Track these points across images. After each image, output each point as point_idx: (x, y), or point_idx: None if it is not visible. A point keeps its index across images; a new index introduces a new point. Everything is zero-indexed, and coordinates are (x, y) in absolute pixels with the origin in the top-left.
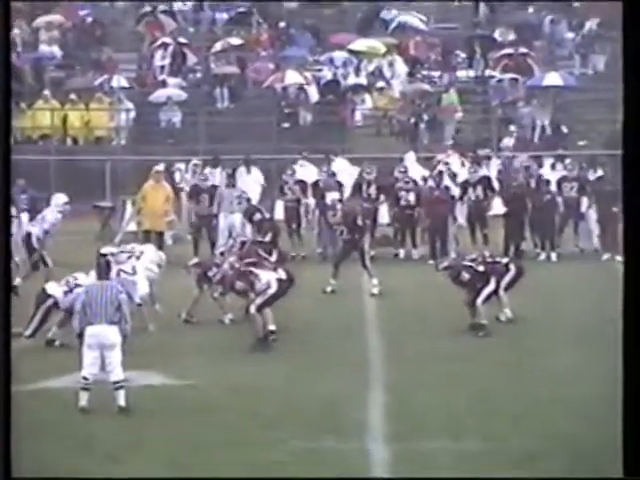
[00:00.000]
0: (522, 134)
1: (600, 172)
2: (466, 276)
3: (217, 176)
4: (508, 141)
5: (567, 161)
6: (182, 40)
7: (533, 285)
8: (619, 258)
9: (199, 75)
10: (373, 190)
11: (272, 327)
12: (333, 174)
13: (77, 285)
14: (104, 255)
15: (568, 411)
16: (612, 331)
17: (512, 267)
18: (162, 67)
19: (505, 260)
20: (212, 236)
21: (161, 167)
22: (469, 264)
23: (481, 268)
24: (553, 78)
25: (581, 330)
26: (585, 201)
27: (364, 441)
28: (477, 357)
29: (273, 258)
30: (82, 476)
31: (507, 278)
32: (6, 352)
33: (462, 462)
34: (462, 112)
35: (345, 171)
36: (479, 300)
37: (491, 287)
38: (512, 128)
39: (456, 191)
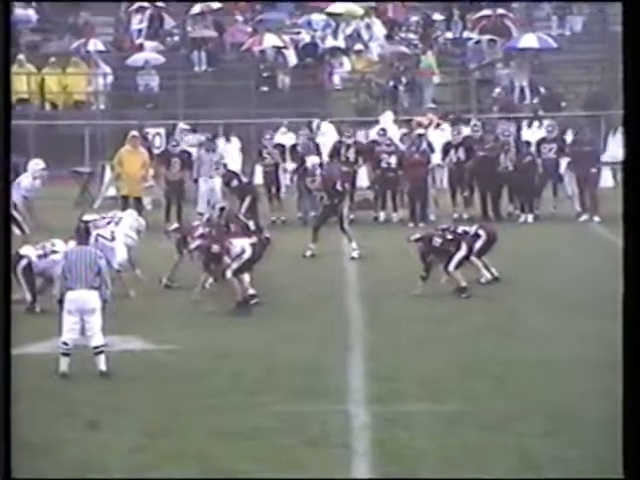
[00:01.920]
0: (501, 96)
1: (579, 134)
2: (438, 240)
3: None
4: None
5: (546, 122)
6: (159, 4)
7: (510, 247)
8: (597, 219)
9: (177, 39)
10: (352, 153)
11: (251, 291)
12: (312, 138)
13: (53, 251)
14: (85, 222)
15: (547, 372)
16: (590, 292)
17: (482, 233)
18: (139, 31)
19: (474, 228)
20: (180, 202)
21: (137, 132)
22: (440, 233)
23: (450, 237)
24: (529, 40)
25: (560, 292)
26: (564, 163)
27: (345, 404)
28: (456, 319)
29: (252, 225)
30: (62, 441)
31: (478, 244)
32: (6, 351)
33: (441, 423)
34: (440, 74)
35: (329, 134)
36: (451, 266)
37: (462, 252)
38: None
39: (437, 153)
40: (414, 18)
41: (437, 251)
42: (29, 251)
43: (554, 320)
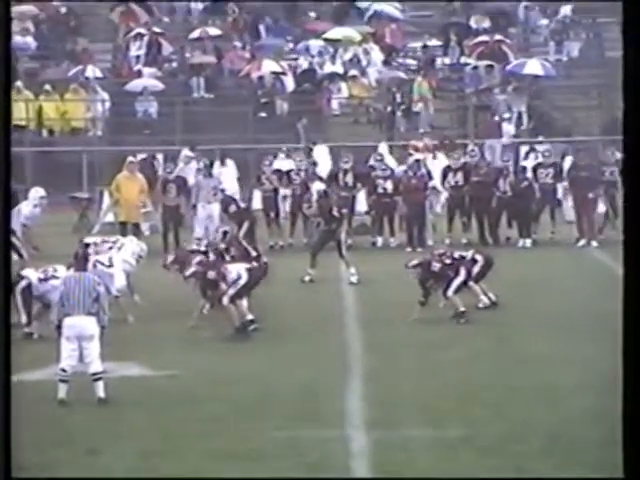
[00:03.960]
0: (499, 121)
1: (576, 159)
2: (437, 266)
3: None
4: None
5: (543, 147)
6: (157, 30)
7: (508, 272)
8: (595, 244)
9: (175, 65)
10: (350, 178)
11: (250, 317)
12: (313, 164)
13: (54, 276)
14: (87, 245)
15: (546, 398)
16: (589, 317)
17: (479, 257)
18: (137, 57)
19: (471, 252)
20: (178, 227)
21: (135, 158)
22: (438, 258)
23: (448, 261)
24: (534, 66)
25: (558, 317)
26: (560, 188)
27: (344, 429)
28: (455, 345)
29: (251, 250)
30: (63, 468)
31: (476, 269)
32: (6, 356)
33: (441, 449)
34: (438, 99)
35: (325, 159)
36: (450, 291)
37: (461, 278)
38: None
39: (435, 178)
40: (412, 44)
41: (436, 276)
42: (30, 273)
43: (553, 345)
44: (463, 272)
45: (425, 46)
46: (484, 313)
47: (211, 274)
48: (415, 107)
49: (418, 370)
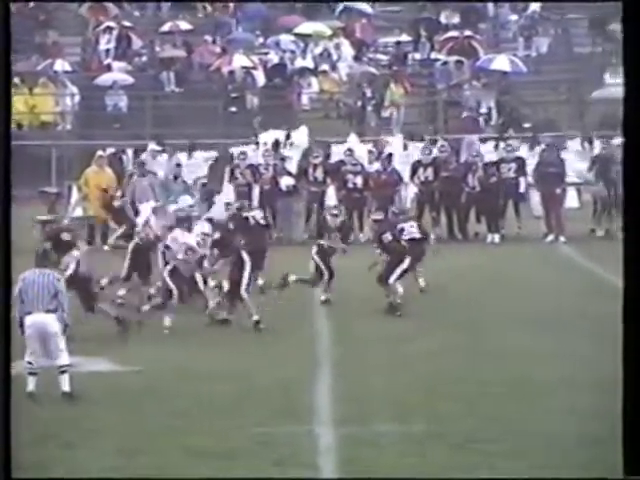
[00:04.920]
0: (468, 116)
1: (544, 154)
2: (388, 237)
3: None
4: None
5: (507, 143)
6: (127, 24)
7: (476, 267)
8: (562, 239)
9: (145, 59)
10: (320, 173)
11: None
12: (282, 159)
13: None
14: (45, 245)
15: (517, 394)
16: (557, 311)
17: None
18: (107, 51)
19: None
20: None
21: (104, 152)
22: (396, 232)
23: (403, 242)
24: (503, 62)
25: (526, 311)
26: (523, 182)
27: (313, 425)
28: (425, 339)
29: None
30: (41, 463)
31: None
32: (6, 355)
33: (408, 444)
34: (409, 95)
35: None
36: (392, 278)
37: (404, 266)
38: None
39: (405, 173)
40: (382, 39)
41: (384, 246)
42: None
43: (523, 340)
44: (407, 261)
45: (398, 42)
46: (454, 307)
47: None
48: (385, 112)
49: (388, 365)
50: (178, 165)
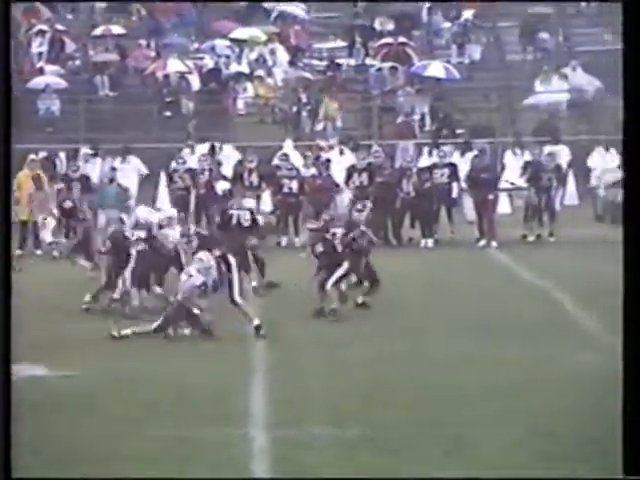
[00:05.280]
0: (402, 122)
1: (476, 160)
2: (320, 247)
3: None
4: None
5: (440, 148)
6: (60, 27)
7: (411, 272)
8: (494, 244)
9: (78, 62)
10: (255, 178)
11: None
12: (218, 163)
13: None
14: None
15: (453, 399)
16: (490, 315)
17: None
18: (39, 54)
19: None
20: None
21: (37, 156)
22: (330, 237)
23: (339, 248)
24: (436, 69)
25: (460, 315)
26: (456, 187)
27: (247, 428)
28: (360, 343)
29: None
30: None
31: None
32: (6, 354)
33: (342, 448)
34: (344, 101)
35: (233, 159)
36: (329, 284)
37: (341, 272)
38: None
39: (340, 178)
40: (317, 45)
41: (318, 256)
42: None
43: (458, 345)
44: (346, 265)
45: (333, 48)
46: (390, 312)
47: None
48: (319, 125)
49: (324, 370)
50: (113, 169)
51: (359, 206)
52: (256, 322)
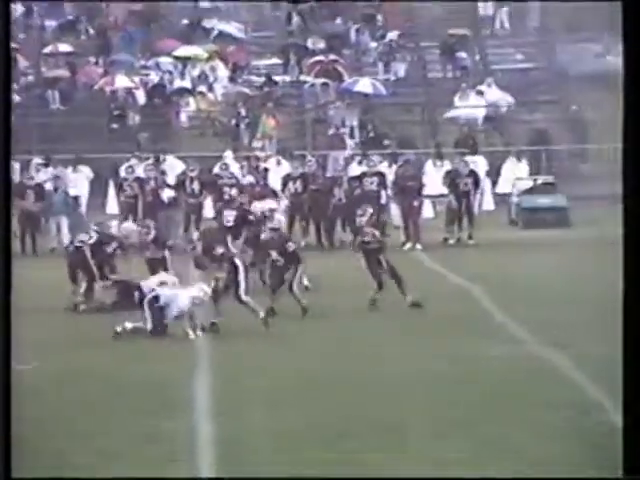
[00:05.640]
0: (334, 134)
1: (401, 169)
2: (273, 254)
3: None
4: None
5: (369, 158)
6: (13, 45)
7: (343, 274)
8: (419, 247)
9: (30, 78)
10: (196, 186)
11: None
12: (162, 172)
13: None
14: None
15: (378, 391)
16: (417, 313)
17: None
18: None
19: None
20: (34, 232)
21: None
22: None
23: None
24: (364, 85)
25: (390, 313)
26: (384, 195)
27: (192, 420)
28: (297, 338)
29: None
30: None
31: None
32: (6, 355)
33: (281, 439)
34: (279, 114)
35: (176, 168)
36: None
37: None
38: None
39: (277, 185)
40: (255, 62)
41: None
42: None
43: (387, 341)
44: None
45: (269, 65)
46: (327, 311)
47: None
48: (259, 143)
49: (263, 363)
50: (57, 177)
51: (359, 211)
52: (262, 315)
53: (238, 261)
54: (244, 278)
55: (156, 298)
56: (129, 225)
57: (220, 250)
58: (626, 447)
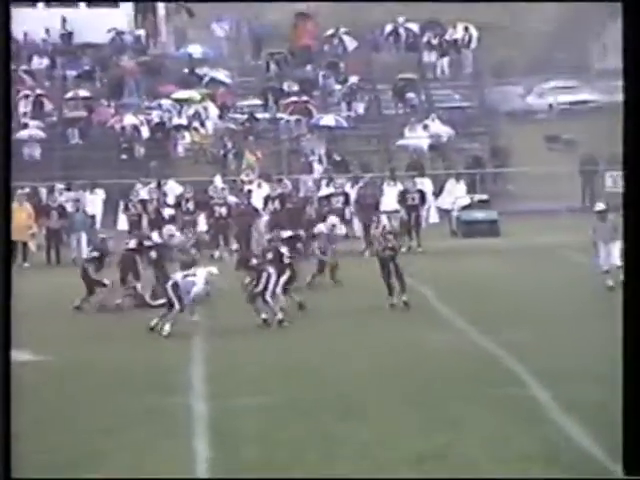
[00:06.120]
0: (305, 161)
1: (362, 190)
2: (254, 261)
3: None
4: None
5: (335, 181)
6: (40, 91)
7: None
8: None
9: (54, 118)
10: (192, 205)
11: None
12: (164, 194)
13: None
14: None
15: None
16: (372, 309)
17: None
18: (25, 113)
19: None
20: (59, 246)
21: (23, 191)
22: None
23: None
24: (330, 120)
25: (357, 313)
26: (348, 211)
27: (188, 398)
28: (277, 334)
29: None
30: None
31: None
32: (6, 354)
33: (264, 416)
34: (260, 147)
35: (175, 191)
36: (267, 294)
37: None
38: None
39: (259, 204)
40: (239, 102)
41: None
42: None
43: (344, 331)
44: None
45: (251, 105)
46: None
47: None
48: (243, 174)
49: (252, 350)
50: (76, 199)
51: (375, 224)
52: (279, 316)
53: (272, 270)
54: (273, 284)
55: (177, 284)
56: (172, 230)
57: (254, 261)
58: (626, 447)
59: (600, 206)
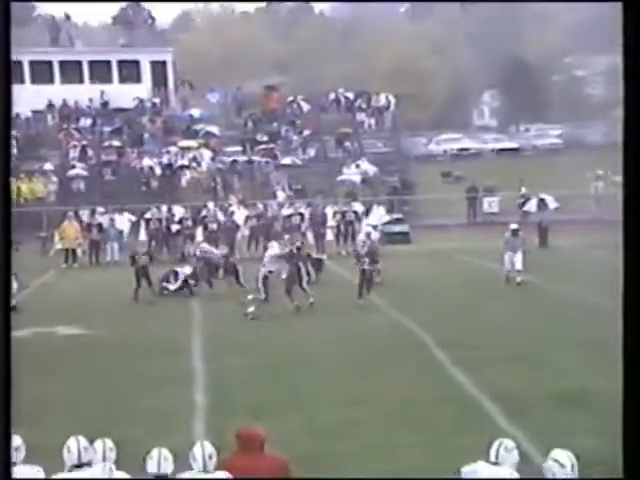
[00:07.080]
0: (272, 190)
1: (314, 210)
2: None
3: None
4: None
5: (295, 204)
6: (84, 142)
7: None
8: (325, 257)
9: (94, 161)
10: (190, 222)
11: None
12: (172, 215)
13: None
14: None
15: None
16: (338, 303)
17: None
18: (73, 157)
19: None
20: (98, 252)
21: (72, 213)
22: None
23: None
24: (289, 160)
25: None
26: (304, 226)
27: (190, 360)
28: (265, 321)
29: None
30: None
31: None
32: (6, 353)
33: (254, 373)
34: (240, 180)
35: (180, 212)
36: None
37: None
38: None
39: (241, 222)
40: (226, 149)
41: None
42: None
43: (295, 325)
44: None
45: (233, 152)
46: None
47: None
48: (229, 200)
49: (244, 340)
50: (111, 219)
51: (369, 238)
52: (311, 300)
53: (302, 263)
54: (305, 274)
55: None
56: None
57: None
58: (626, 447)
59: (514, 226)
